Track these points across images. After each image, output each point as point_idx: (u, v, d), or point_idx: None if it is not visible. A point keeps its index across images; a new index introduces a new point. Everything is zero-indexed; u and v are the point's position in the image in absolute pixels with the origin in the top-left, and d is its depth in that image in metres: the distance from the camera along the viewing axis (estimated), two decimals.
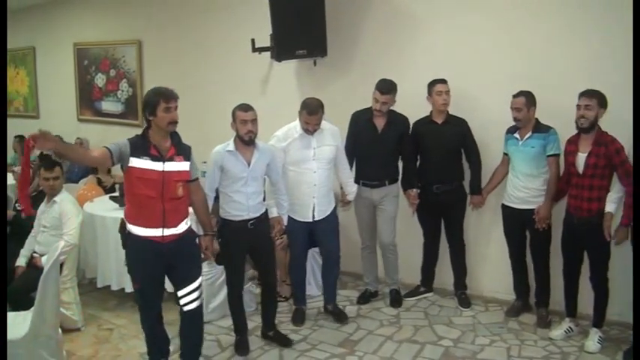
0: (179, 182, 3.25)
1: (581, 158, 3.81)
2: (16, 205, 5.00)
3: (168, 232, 3.24)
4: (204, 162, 4.06)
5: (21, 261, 4.30)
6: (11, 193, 5.68)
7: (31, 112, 9.21)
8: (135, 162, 3.14)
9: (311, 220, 4.21)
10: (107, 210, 4.85)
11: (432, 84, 4.48)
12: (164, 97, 3.18)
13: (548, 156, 4.08)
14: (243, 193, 3.70)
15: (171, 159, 3.22)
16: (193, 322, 3.51)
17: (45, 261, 3.82)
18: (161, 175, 3.17)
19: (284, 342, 4.04)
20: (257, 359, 3.90)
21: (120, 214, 3.48)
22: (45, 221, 4.29)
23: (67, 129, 7.77)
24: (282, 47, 5.16)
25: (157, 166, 3.17)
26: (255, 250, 3.91)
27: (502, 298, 4.69)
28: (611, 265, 3.90)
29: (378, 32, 5.10)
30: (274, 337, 4.08)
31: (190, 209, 3.51)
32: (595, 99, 3.70)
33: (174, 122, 3.22)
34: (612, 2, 4.03)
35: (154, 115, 3.17)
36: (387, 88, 4.34)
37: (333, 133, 4.21)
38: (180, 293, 3.40)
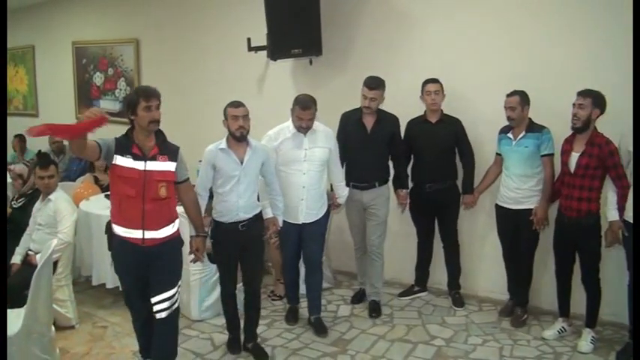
0: (161, 182, 3.19)
1: (574, 158, 3.81)
2: (13, 202, 5.02)
3: (148, 234, 3.19)
4: (201, 161, 4.05)
5: (16, 258, 4.33)
6: (7, 191, 5.69)
7: (30, 111, 9.24)
8: (118, 160, 3.11)
9: (300, 222, 4.12)
10: (102, 208, 4.82)
11: (423, 84, 4.48)
12: (144, 95, 3.12)
13: (542, 156, 4.08)
14: (235, 192, 3.62)
15: (153, 158, 3.17)
16: (162, 331, 3.37)
17: (39, 259, 3.83)
18: (142, 175, 3.12)
19: (260, 356, 3.88)
20: (248, 358, 3.90)
21: None
22: (40, 219, 4.31)
23: None
24: (278, 46, 5.17)
25: (139, 165, 3.13)
26: (243, 254, 3.81)
27: (496, 297, 4.69)
28: (604, 266, 3.90)
29: (374, 31, 5.10)
30: (252, 349, 3.92)
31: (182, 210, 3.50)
32: (590, 99, 3.69)
33: (155, 121, 3.15)
34: (612, 2, 4.03)
35: (135, 115, 3.13)
36: (375, 83, 4.28)
37: (326, 135, 4.14)
38: (153, 300, 3.29)
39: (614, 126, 3.77)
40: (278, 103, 4.92)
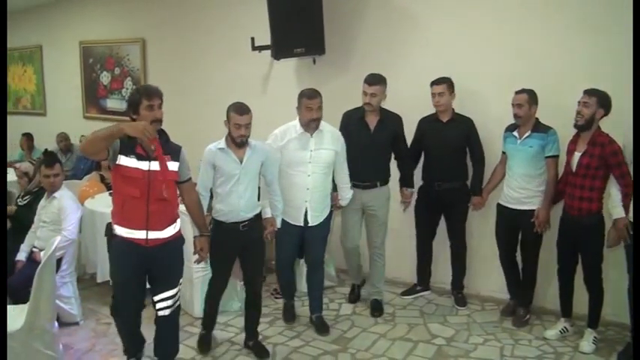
0: (166, 183, 3.17)
1: (576, 157, 3.81)
2: (18, 200, 5.07)
3: (152, 235, 3.16)
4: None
5: (21, 255, 4.36)
6: (13, 189, 5.75)
7: (38, 110, 9.30)
8: (122, 160, 3.07)
9: (303, 224, 4.07)
10: (107, 206, 4.77)
11: (430, 85, 4.46)
12: (146, 95, 3.11)
13: (547, 157, 4.06)
14: (235, 192, 3.61)
15: (157, 158, 3.14)
16: (167, 328, 3.42)
17: (43, 255, 3.87)
18: (146, 175, 3.10)
19: (261, 354, 3.90)
20: (248, 355, 3.93)
21: None
22: (45, 217, 4.35)
23: (73, 126, 7.88)
24: (281, 46, 5.19)
25: (143, 165, 3.10)
26: (244, 254, 3.81)
27: (499, 297, 4.69)
28: (606, 266, 3.89)
29: (377, 30, 5.12)
30: (253, 347, 3.95)
31: (184, 209, 3.50)
32: (595, 97, 3.68)
33: (158, 120, 3.13)
34: (614, 2, 4.02)
35: (137, 114, 3.11)
36: (374, 79, 4.25)
37: (333, 137, 4.09)
38: (155, 298, 3.31)
39: (616, 126, 3.77)
40: (282, 102, 4.94)
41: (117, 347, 4.02)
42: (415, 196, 4.70)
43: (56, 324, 3.60)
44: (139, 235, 3.15)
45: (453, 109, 4.50)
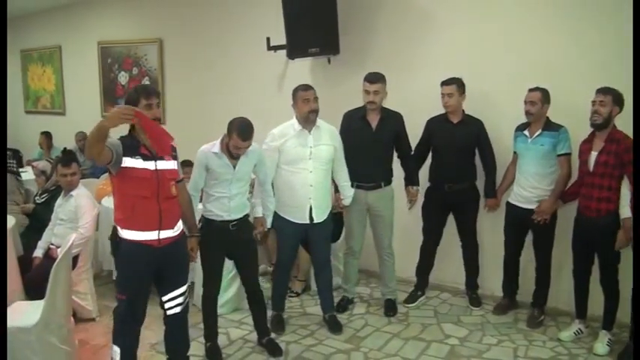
0: (172, 181, 3.18)
1: (593, 156, 3.78)
2: (36, 198, 5.14)
3: (164, 234, 3.13)
4: None
5: (38, 252, 4.43)
6: (31, 187, 5.83)
7: (57, 109, 9.42)
8: (128, 162, 3.02)
9: (308, 222, 4.05)
10: None
11: (440, 85, 4.44)
12: (144, 94, 3.08)
13: (559, 155, 4.05)
14: (226, 193, 3.62)
15: (161, 157, 3.13)
16: (178, 327, 3.39)
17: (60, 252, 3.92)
18: (155, 174, 3.08)
19: (274, 352, 3.91)
20: (262, 353, 3.94)
21: None
22: (62, 214, 4.41)
23: (91, 125, 7.88)
24: (295, 45, 5.23)
25: (150, 165, 3.08)
26: (236, 254, 3.82)
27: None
28: (622, 267, 3.84)
29: (391, 30, 5.12)
30: (266, 344, 3.96)
31: None
32: (610, 96, 3.66)
33: (156, 119, 3.08)
34: (627, 1, 3.98)
35: None
36: (375, 77, 4.23)
37: (331, 133, 4.10)
38: (165, 298, 3.28)
39: (627, 125, 3.72)
40: None
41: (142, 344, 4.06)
42: (422, 198, 4.68)
43: (72, 320, 3.66)
44: (151, 236, 3.10)
45: (462, 110, 4.48)
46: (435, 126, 4.57)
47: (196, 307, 4.20)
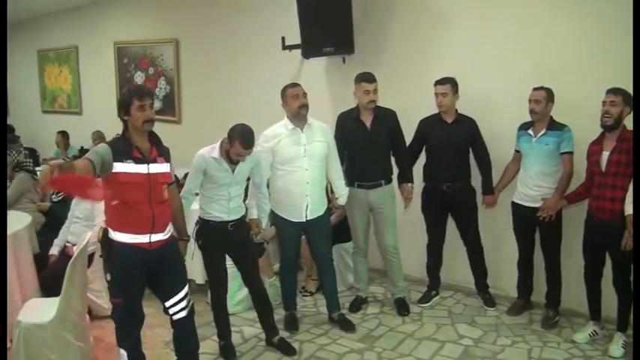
0: (164, 184, 3.13)
1: (604, 156, 3.75)
2: (53, 196, 5.19)
3: (155, 237, 3.09)
4: None
5: (54, 250, 4.48)
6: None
7: (74, 109, 9.53)
8: (119, 167, 2.97)
9: (304, 219, 4.07)
10: None
11: (434, 84, 4.44)
12: (137, 95, 3.01)
13: (562, 153, 4.06)
14: (224, 196, 3.64)
15: (154, 160, 3.09)
16: (185, 330, 3.37)
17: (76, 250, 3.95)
18: (147, 178, 3.03)
19: (288, 351, 3.92)
20: (276, 351, 3.95)
21: None
22: (78, 212, 4.45)
23: (108, 124, 8.00)
24: (310, 45, 5.23)
25: (142, 168, 3.03)
26: (235, 253, 3.83)
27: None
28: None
29: (406, 29, 5.10)
30: (278, 344, 3.96)
31: None
32: (620, 96, 3.65)
33: (150, 121, 3.04)
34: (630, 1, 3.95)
35: (128, 115, 3.02)
36: (372, 76, 4.24)
37: (323, 130, 4.11)
38: (167, 304, 3.25)
39: (626, 124, 3.74)
40: (311, 101, 4.94)
41: (146, 340, 4.03)
42: (419, 199, 4.67)
43: (87, 317, 3.70)
44: (143, 239, 3.07)
45: (456, 110, 4.48)
46: (429, 126, 4.55)
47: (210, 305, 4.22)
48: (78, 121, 9.26)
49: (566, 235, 4.23)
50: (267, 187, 4.03)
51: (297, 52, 5.50)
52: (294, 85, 4.02)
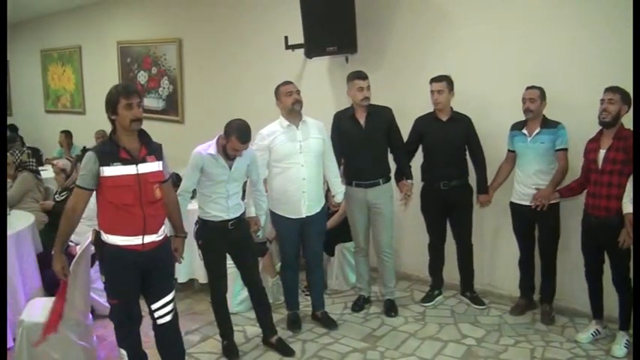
0: (155, 184, 3.05)
1: (601, 154, 3.77)
2: (56, 196, 5.20)
3: (148, 239, 3.04)
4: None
5: None
6: (51, 185, 5.88)
7: (77, 109, 9.55)
8: (106, 171, 2.92)
9: (302, 216, 4.08)
10: None
11: (430, 82, 4.44)
12: (124, 93, 2.94)
13: (557, 150, 4.09)
14: (223, 194, 3.63)
15: (144, 160, 3.02)
16: (169, 335, 3.31)
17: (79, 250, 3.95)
18: (136, 179, 2.97)
19: (286, 352, 3.90)
20: (273, 352, 3.95)
21: None
22: None
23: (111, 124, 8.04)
24: (313, 44, 5.24)
25: (131, 169, 2.96)
26: (235, 251, 3.82)
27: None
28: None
29: (409, 28, 5.11)
30: (276, 344, 3.95)
31: None
32: (619, 94, 3.67)
33: (137, 120, 2.95)
34: (628, 3, 3.93)
35: (115, 114, 2.95)
36: (364, 73, 4.28)
37: (318, 127, 4.13)
38: (153, 307, 3.19)
39: (626, 124, 3.75)
40: (314, 100, 4.97)
41: (150, 339, 4.08)
42: (417, 199, 4.66)
43: (90, 316, 3.69)
44: (136, 241, 3.03)
45: (451, 108, 4.48)
46: (425, 125, 4.55)
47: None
48: (81, 120, 9.27)
49: (564, 230, 4.28)
50: (264, 185, 4.04)
51: (300, 51, 5.50)
52: (287, 82, 4.05)
